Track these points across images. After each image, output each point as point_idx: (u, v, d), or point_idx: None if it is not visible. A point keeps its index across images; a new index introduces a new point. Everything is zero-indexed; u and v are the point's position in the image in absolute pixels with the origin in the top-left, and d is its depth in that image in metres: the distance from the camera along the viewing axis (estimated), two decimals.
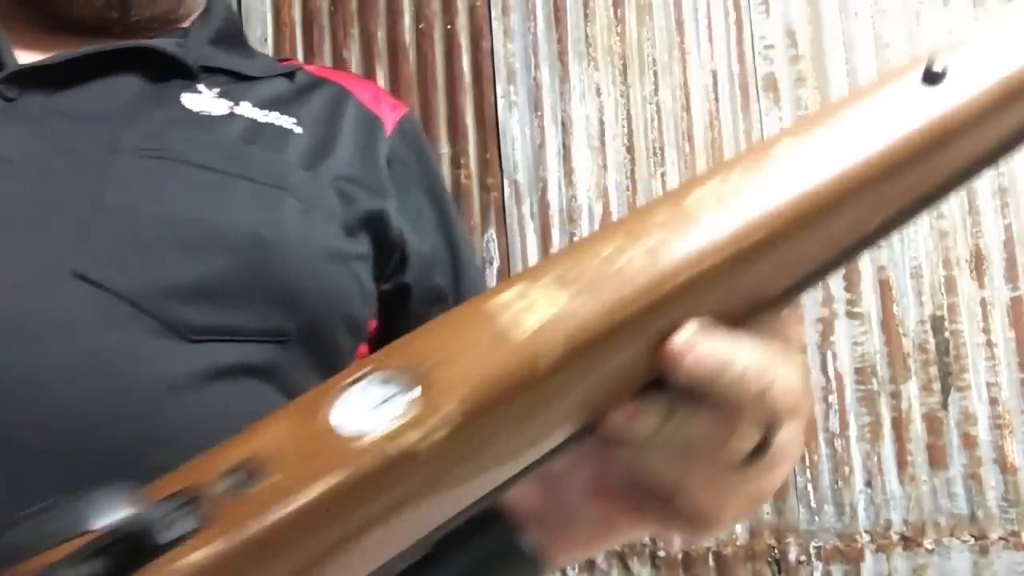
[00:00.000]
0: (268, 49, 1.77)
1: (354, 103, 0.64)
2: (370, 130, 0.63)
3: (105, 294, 0.44)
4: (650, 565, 1.59)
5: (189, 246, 0.48)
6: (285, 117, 0.59)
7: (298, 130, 0.59)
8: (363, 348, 0.58)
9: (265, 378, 0.49)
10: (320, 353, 0.52)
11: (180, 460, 0.28)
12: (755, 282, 0.30)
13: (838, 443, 1.58)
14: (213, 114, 0.57)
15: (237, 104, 0.58)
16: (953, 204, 1.61)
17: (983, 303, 1.59)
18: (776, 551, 1.57)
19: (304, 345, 0.51)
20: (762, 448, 0.32)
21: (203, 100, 0.57)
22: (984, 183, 1.61)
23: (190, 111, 0.55)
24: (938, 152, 0.30)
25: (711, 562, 1.58)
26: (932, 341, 1.59)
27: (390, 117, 0.66)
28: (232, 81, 0.61)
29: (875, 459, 1.58)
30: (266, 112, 0.59)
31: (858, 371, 1.60)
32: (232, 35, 0.67)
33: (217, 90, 0.59)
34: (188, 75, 0.58)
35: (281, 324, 0.50)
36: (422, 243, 0.61)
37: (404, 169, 0.63)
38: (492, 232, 1.68)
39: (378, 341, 0.58)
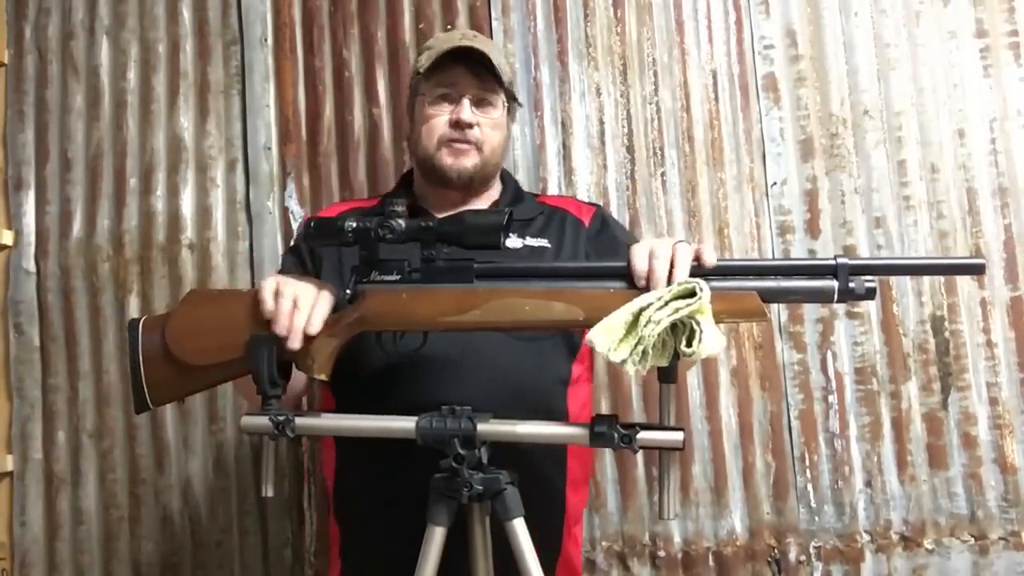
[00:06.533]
0: (268, 49, 1.77)
1: (571, 219, 1.31)
2: (577, 229, 1.30)
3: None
4: (650, 565, 1.59)
5: None
6: (543, 240, 1.26)
7: (548, 245, 1.26)
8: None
9: None
10: None
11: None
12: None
13: (838, 443, 1.58)
14: (513, 248, 1.22)
15: (524, 239, 1.25)
16: (953, 204, 1.61)
17: (983, 303, 1.59)
18: (776, 551, 1.57)
19: None
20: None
21: (510, 241, 1.18)
22: (984, 183, 1.61)
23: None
24: None
25: (711, 562, 1.58)
26: (932, 341, 1.59)
27: (587, 216, 1.33)
28: (523, 226, 1.26)
29: (875, 459, 1.58)
30: (536, 239, 1.26)
31: (858, 371, 1.60)
32: (517, 196, 1.34)
33: (515, 234, 1.23)
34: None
35: None
36: None
37: (598, 237, 1.30)
38: None
39: None
